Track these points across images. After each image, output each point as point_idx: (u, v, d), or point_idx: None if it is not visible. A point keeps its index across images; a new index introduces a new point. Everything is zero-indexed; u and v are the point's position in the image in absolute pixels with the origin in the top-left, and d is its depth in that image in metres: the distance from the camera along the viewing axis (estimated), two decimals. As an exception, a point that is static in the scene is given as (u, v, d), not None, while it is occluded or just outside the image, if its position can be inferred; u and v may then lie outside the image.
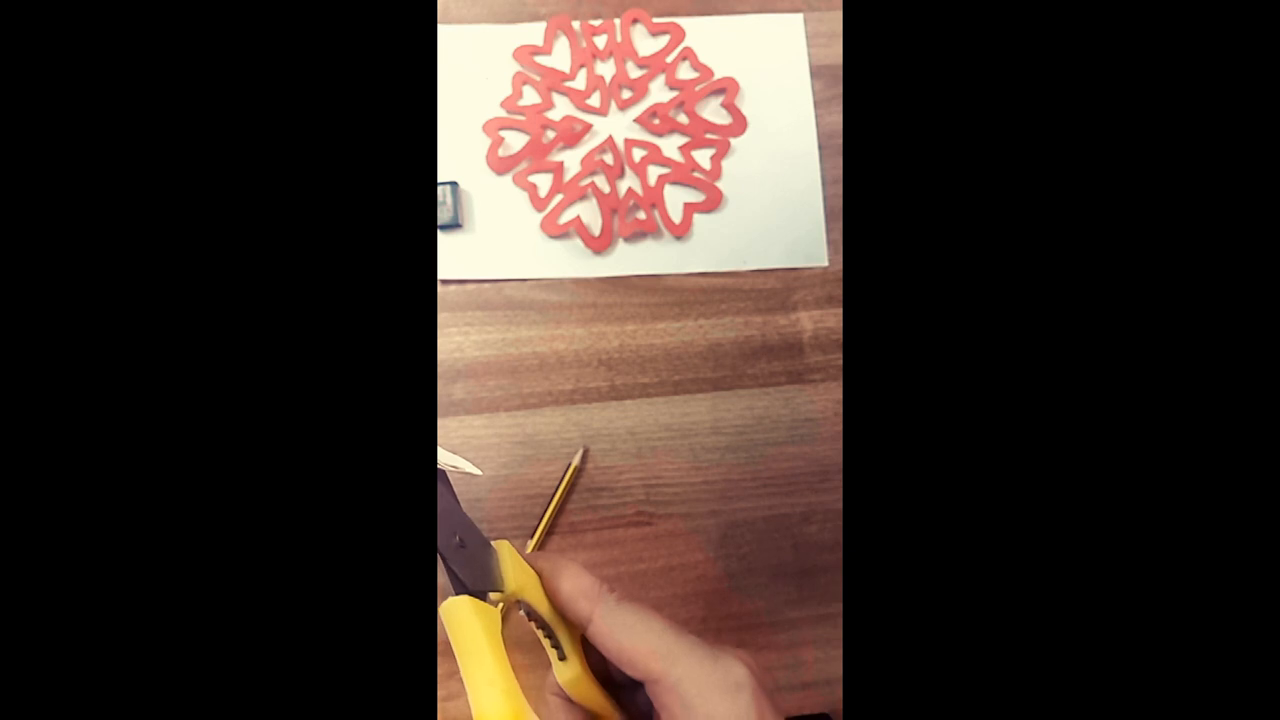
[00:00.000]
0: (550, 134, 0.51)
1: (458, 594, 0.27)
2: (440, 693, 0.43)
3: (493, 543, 0.29)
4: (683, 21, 0.53)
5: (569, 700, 0.30)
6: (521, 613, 0.29)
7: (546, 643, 0.30)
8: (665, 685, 0.27)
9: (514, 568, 0.28)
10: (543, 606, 0.29)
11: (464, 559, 0.27)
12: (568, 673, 0.30)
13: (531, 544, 0.45)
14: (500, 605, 0.27)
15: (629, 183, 0.51)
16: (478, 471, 0.32)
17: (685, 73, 0.53)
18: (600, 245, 0.50)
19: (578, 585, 0.29)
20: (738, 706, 0.26)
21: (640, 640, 0.27)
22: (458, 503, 0.28)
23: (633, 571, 0.46)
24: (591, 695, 0.30)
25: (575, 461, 0.47)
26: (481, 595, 0.27)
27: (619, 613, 0.28)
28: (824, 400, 0.50)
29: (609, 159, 0.51)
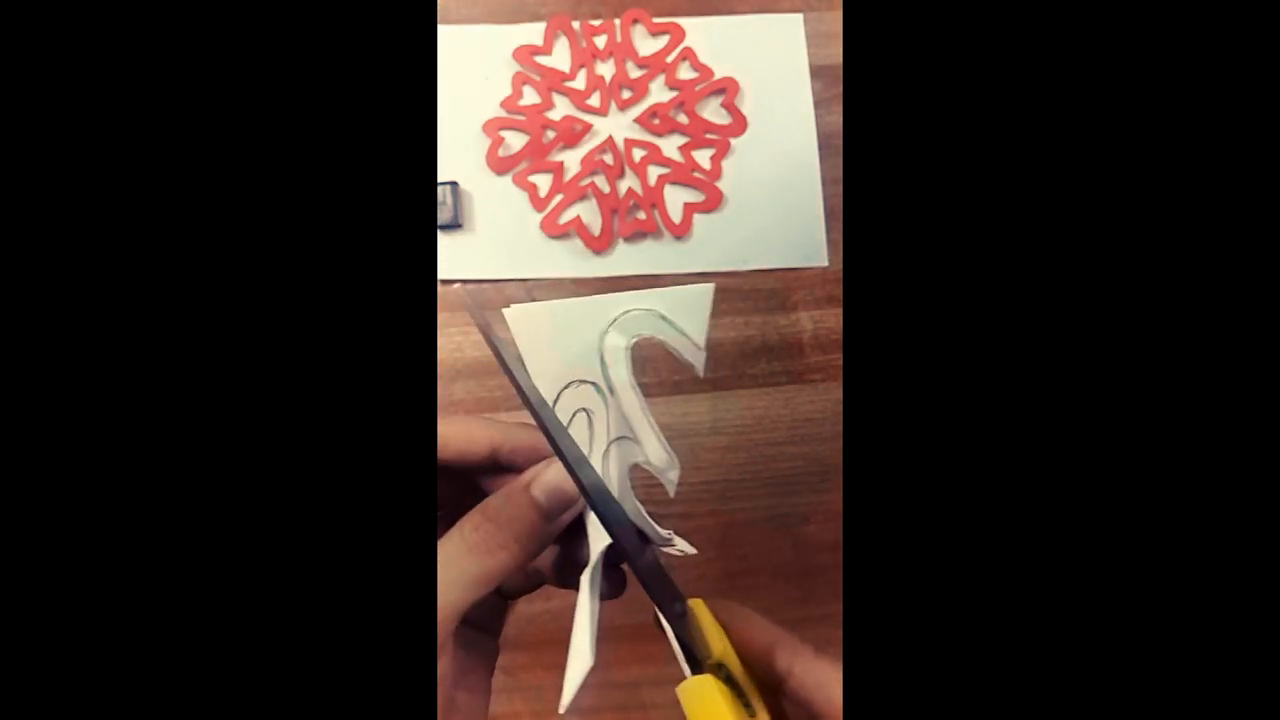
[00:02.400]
0: (550, 134, 0.51)
1: (695, 672, 0.25)
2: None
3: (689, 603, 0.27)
4: (683, 21, 0.53)
5: None
6: (722, 678, 0.27)
7: (736, 700, 0.28)
8: None
9: (711, 629, 0.27)
10: (734, 664, 0.27)
11: (687, 629, 0.26)
12: None
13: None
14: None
15: (629, 183, 0.51)
16: (692, 550, 0.30)
17: (685, 73, 0.53)
18: (600, 245, 0.50)
19: (770, 637, 0.26)
20: None
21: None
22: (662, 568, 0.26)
23: (633, 571, 0.46)
24: None
25: (575, 461, 0.46)
26: (700, 667, 0.25)
27: (821, 665, 0.26)
28: (824, 400, 0.49)
29: (609, 159, 0.51)
